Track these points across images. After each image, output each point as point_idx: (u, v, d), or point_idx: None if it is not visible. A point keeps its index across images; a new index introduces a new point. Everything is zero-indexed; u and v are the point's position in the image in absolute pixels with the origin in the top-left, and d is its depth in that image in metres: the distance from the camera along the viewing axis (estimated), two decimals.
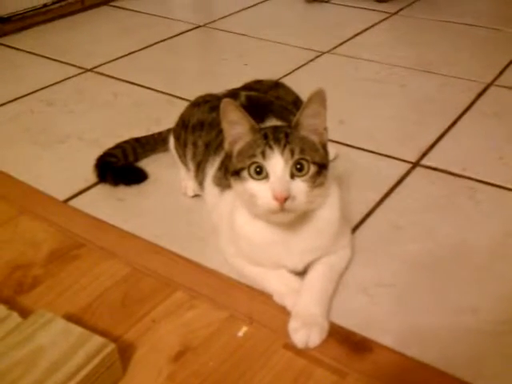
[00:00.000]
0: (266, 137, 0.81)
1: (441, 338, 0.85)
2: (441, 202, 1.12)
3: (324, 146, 0.85)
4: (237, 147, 0.85)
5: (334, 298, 0.90)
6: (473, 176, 1.19)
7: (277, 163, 0.79)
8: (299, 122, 0.83)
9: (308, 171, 0.80)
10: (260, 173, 0.80)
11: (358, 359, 0.81)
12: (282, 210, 0.79)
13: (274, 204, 0.78)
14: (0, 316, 0.83)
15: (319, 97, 0.81)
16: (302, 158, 0.80)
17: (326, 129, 0.85)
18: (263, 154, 0.80)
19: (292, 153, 0.79)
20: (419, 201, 1.13)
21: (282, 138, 0.80)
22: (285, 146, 0.79)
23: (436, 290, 0.93)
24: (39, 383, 0.73)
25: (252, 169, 0.80)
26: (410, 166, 1.23)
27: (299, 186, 0.80)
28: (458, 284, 0.94)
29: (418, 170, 1.22)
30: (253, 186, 0.81)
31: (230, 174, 0.85)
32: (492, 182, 1.17)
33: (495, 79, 1.61)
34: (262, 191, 0.80)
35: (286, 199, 0.78)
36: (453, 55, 1.79)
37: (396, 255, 1.00)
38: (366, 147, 1.31)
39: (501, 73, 1.64)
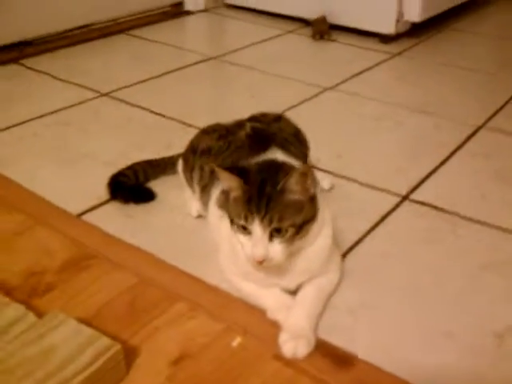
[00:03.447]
0: (249, 201, 0.88)
1: (417, 356, 0.92)
2: (425, 235, 1.21)
3: (312, 199, 0.92)
4: (232, 194, 0.93)
5: (322, 317, 0.98)
6: (456, 211, 1.28)
7: (256, 228, 0.88)
8: (285, 187, 0.88)
9: (285, 234, 0.89)
10: (245, 230, 0.90)
11: (341, 372, 0.89)
12: (260, 266, 0.90)
13: (254, 261, 0.89)
14: (18, 315, 0.92)
15: (305, 173, 0.88)
16: (279, 227, 0.88)
17: (314, 180, 0.93)
18: (246, 218, 0.89)
19: (270, 221, 0.87)
20: (406, 232, 1.22)
21: (263, 206, 0.87)
22: (265, 214, 0.87)
23: (415, 313, 1.01)
24: (50, 377, 0.81)
25: (239, 225, 0.90)
26: (399, 199, 1.33)
27: (275, 249, 0.89)
28: (435, 309, 1.02)
29: (407, 203, 1.32)
30: (240, 237, 0.91)
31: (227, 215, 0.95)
32: (473, 217, 1.26)
33: (486, 122, 1.71)
34: (246, 244, 0.90)
35: (263, 261, 0.88)
36: (449, 97, 1.89)
37: (381, 281, 1.08)
38: (360, 180, 1.40)
39: (492, 116, 1.74)
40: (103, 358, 0.84)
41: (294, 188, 0.89)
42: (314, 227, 0.93)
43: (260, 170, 0.93)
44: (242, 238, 0.91)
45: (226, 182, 0.93)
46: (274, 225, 0.88)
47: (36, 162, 1.48)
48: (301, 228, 0.90)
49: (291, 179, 0.88)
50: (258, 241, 0.88)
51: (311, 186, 0.92)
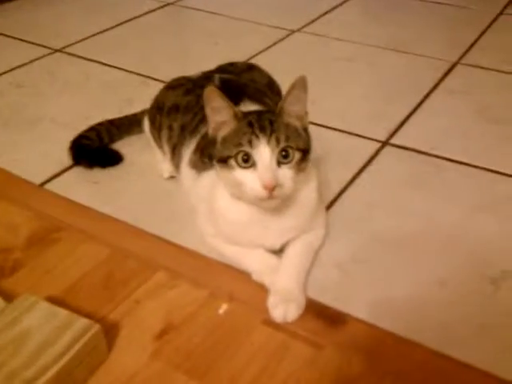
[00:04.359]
0: (251, 125, 0.82)
1: (411, 309, 0.89)
2: (410, 180, 1.16)
3: (306, 130, 0.88)
4: (221, 134, 0.86)
5: (310, 275, 0.93)
6: (440, 154, 1.23)
7: (264, 152, 0.81)
8: (283, 108, 0.84)
9: (293, 158, 0.82)
10: (247, 161, 0.82)
11: (333, 332, 0.86)
12: (271, 197, 0.81)
13: (263, 192, 0.81)
14: None
15: (301, 83, 0.83)
16: (288, 146, 0.82)
17: (306, 113, 0.87)
18: (250, 143, 0.81)
19: (278, 141, 0.81)
20: (389, 179, 1.17)
21: (268, 126, 0.82)
22: (271, 134, 0.81)
23: (406, 264, 0.97)
24: (27, 365, 0.75)
25: (239, 157, 0.82)
26: (379, 144, 1.27)
27: (285, 174, 0.82)
28: (426, 258, 0.98)
29: (388, 148, 1.26)
30: (241, 174, 0.82)
31: (215, 160, 0.86)
32: (458, 159, 1.21)
33: (461, 57, 1.65)
34: (250, 180, 0.82)
35: (274, 187, 0.80)
36: (421, 34, 1.82)
37: (368, 232, 1.04)
38: (336, 127, 1.34)
39: (466, 51, 1.69)
40: (82, 340, 0.78)
41: (293, 108, 0.84)
42: (309, 165, 0.88)
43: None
44: (244, 173, 0.82)
45: (220, 112, 0.84)
46: (282, 144, 0.81)
47: None
48: (304, 156, 0.84)
49: (289, 97, 0.83)
50: (266, 165, 0.80)
51: (306, 107, 0.86)
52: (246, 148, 0.81)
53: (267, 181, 0.80)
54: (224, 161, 0.84)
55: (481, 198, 1.11)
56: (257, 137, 0.81)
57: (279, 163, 0.82)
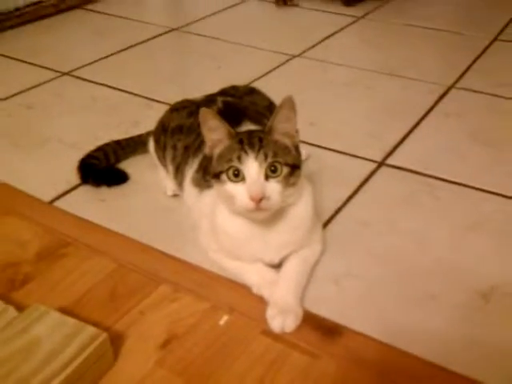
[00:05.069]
0: (241, 142, 0.88)
1: (405, 321, 0.93)
2: (404, 199, 1.21)
3: (296, 148, 0.93)
4: (216, 151, 0.92)
5: (307, 288, 0.97)
6: (433, 174, 1.28)
7: (252, 166, 0.86)
8: (272, 126, 0.89)
9: (281, 172, 0.87)
10: (237, 175, 0.87)
11: (329, 343, 0.89)
12: (258, 209, 0.86)
13: (251, 204, 0.86)
14: None
15: (289, 103, 0.88)
16: (275, 161, 0.87)
17: (297, 131, 0.92)
18: (239, 159, 0.87)
19: (265, 156, 0.86)
20: (384, 198, 1.21)
21: (256, 142, 0.87)
22: (259, 150, 0.86)
23: (399, 279, 1.01)
24: (37, 371, 0.79)
25: (230, 172, 0.87)
26: (375, 165, 1.32)
27: (273, 187, 0.87)
28: (419, 273, 1.02)
29: (383, 168, 1.31)
30: (231, 187, 0.88)
31: (211, 176, 0.92)
32: (451, 179, 1.26)
33: (456, 82, 1.71)
34: (239, 192, 0.87)
35: (261, 199, 0.85)
36: (417, 58, 1.88)
37: (364, 248, 1.08)
38: (335, 148, 1.39)
39: (461, 76, 1.75)
40: (90, 348, 0.82)
41: (282, 126, 0.89)
42: (299, 182, 0.92)
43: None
44: (234, 187, 0.87)
45: (215, 132, 0.90)
46: (270, 159, 0.86)
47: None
48: (293, 171, 0.89)
49: (278, 115, 0.88)
50: (254, 179, 0.86)
51: (295, 125, 0.90)
52: (236, 163, 0.87)
53: (254, 193, 0.85)
54: (217, 176, 0.89)
55: (472, 216, 1.15)
56: (246, 153, 0.87)
57: (267, 177, 0.87)
